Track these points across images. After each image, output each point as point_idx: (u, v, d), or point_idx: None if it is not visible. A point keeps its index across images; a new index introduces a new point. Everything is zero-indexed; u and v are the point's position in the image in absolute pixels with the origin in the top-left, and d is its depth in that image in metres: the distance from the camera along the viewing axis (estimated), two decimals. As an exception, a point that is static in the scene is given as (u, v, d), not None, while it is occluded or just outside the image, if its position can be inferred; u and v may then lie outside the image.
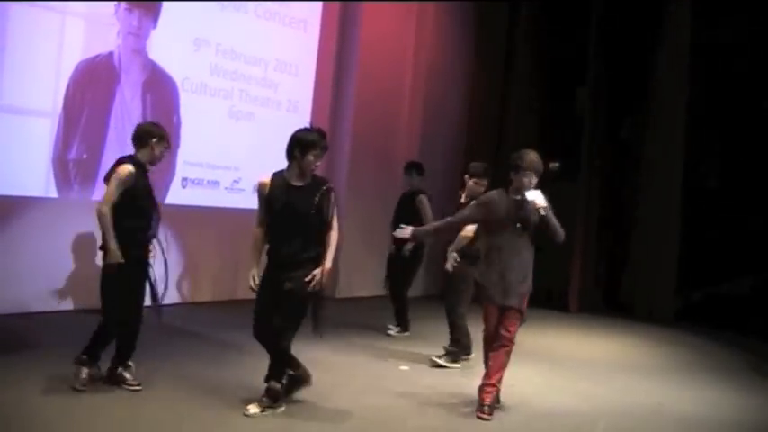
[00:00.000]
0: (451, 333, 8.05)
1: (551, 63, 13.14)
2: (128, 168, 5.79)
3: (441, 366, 7.80)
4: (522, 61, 13.32)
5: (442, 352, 7.98)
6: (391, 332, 9.23)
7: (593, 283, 12.90)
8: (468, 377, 7.04)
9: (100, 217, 5.71)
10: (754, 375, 8.89)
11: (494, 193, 6.40)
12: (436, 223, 7.20)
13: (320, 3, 11.30)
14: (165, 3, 9.33)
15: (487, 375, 6.29)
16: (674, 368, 9.02)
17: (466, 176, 8.10)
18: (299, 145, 5.59)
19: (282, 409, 5.77)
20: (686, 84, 12.28)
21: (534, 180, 6.18)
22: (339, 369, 7.18)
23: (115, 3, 8.86)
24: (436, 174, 12.03)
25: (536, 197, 6.09)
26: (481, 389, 6.29)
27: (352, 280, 11.68)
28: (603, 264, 13.11)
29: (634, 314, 12.24)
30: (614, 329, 11.25)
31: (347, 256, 11.39)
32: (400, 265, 9.24)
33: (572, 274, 12.61)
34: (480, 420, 6.15)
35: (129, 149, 6.06)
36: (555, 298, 12.42)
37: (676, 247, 12.36)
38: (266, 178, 5.65)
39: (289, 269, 5.53)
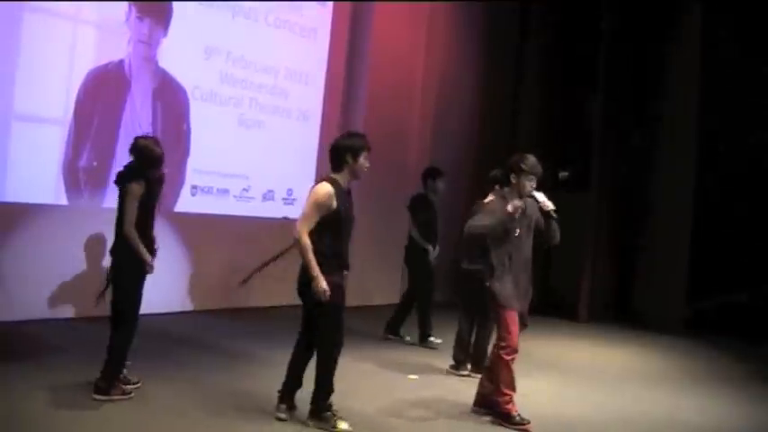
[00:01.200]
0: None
1: (563, 70, 13.12)
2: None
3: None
4: (533, 68, 13.33)
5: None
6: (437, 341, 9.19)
7: (603, 292, 12.85)
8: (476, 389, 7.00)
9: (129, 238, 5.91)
10: (764, 385, 8.84)
11: (495, 200, 6.38)
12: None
13: (330, 12, 11.32)
14: (175, 12, 9.36)
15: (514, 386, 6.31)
16: (684, 378, 8.98)
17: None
18: (351, 150, 5.75)
19: None
20: (698, 91, 12.25)
21: (534, 184, 6.21)
22: (348, 377, 7.14)
23: (126, 11, 8.89)
24: (447, 181, 12.01)
25: (544, 198, 6.14)
26: (510, 400, 6.27)
27: (364, 287, 11.66)
28: (614, 272, 13.06)
29: (644, 323, 12.17)
30: (624, 339, 11.20)
31: (357, 266, 11.35)
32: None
33: (582, 282, 12.57)
34: (486, 429, 6.15)
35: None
36: (565, 307, 12.39)
37: (687, 256, 12.31)
38: (329, 187, 5.63)
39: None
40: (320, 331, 5.70)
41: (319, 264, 5.50)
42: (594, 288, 12.69)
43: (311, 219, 5.56)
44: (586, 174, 12.39)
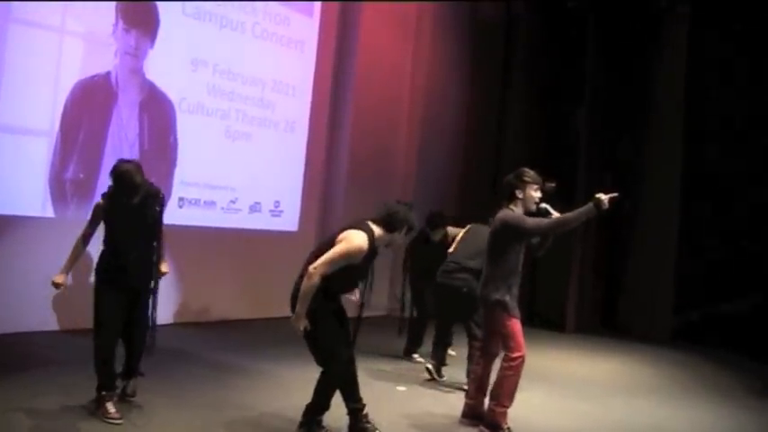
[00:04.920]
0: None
1: (549, 83, 13.16)
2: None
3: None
4: (519, 81, 13.36)
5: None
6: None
7: (589, 303, 12.88)
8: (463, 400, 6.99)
9: None
10: (751, 396, 8.87)
11: (511, 212, 6.27)
12: None
13: (317, 24, 11.33)
14: (162, 23, 9.34)
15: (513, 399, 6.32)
16: (671, 388, 8.99)
17: None
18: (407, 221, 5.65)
19: None
20: (684, 103, 12.31)
21: (540, 194, 6.26)
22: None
23: (113, 23, 8.88)
24: (433, 193, 12.04)
25: (554, 211, 6.26)
26: (505, 413, 6.27)
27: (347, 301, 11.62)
28: (600, 283, 13.08)
29: (631, 334, 12.20)
30: (612, 350, 11.22)
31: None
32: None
33: (569, 294, 12.58)
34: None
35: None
36: (552, 318, 12.39)
37: (673, 267, 12.35)
38: (365, 241, 5.49)
39: None
40: (314, 354, 5.65)
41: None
42: (581, 299, 12.71)
43: (333, 266, 5.39)
44: (572, 186, 12.41)
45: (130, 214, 5.84)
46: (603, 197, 6.01)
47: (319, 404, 5.69)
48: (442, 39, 13.02)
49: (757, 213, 11.96)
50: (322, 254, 5.40)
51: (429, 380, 7.97)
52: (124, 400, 6.03)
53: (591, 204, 6.05)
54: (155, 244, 6.07)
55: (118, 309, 5.83)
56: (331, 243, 5.45)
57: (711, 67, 12.32)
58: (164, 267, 6.20)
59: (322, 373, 5.67)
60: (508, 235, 6.22)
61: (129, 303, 5.90)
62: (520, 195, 6.26)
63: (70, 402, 5.94)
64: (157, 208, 5.98)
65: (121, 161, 5.97)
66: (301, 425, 5.70)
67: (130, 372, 6.17)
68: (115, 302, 5.82)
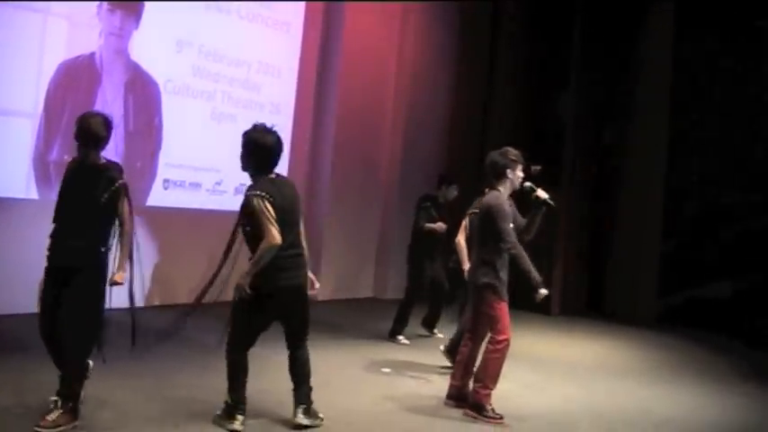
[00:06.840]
0: None
1: (534, 68, 13.14)
2: None
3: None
4: (505, 66, 13.34)
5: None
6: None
7: (574, 285, 12.91)
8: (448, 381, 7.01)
9: None
10: (735, 377, 8.93)
11: (498, 196, 6.33)
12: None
13: (303, 5, 11.29)
14: (147, 4, 9.29)
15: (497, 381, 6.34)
16: (656, 370, 9.04)
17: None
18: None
19: None
20: (669, 88, 12.34)
21: (522, 173, 6.34)
22: (318, 371, 7.14)
23: (97, 4, 8.82)
24: (418, 178, 12.02)
25: (540, 189, 6.33)
26: (490, 395, 6.29)
27: (334, 283, 11.66)
28: (585, 267, 13.12)
29: (616, 317, 12.26)
30: (596, 332, 11.26)
31: (330, 259, 11.38)
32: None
33: (554, 276, 12.60)
34: (460, 423, 6.19)
35: (109, 151, 5.98)
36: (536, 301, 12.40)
37: (658, 251, 12.40)
38: None
39: None
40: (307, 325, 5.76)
41: None
42: (566, 282, 12.74)
43: None
44: (558, 169, 12.43)
45: (82, 184, 5.28)
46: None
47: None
48: (428, 22, 12.97)
49: (741, 197, 12.00)
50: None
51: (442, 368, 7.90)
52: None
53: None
54: (108, 233, 5.43)
55: (50, 296, 5.43)
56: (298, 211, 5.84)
57: (696, 56, 12.35)
58: (118, 276, 5.42)
59: (308, 356, 5.74)
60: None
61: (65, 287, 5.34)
62: (510, 175, 6.30)
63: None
64: (105, 195, 5.26)
65: (89, 112, 5.54)
66: (303, 409, 5.65)
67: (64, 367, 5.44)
68: (49, 288, 5.45)
